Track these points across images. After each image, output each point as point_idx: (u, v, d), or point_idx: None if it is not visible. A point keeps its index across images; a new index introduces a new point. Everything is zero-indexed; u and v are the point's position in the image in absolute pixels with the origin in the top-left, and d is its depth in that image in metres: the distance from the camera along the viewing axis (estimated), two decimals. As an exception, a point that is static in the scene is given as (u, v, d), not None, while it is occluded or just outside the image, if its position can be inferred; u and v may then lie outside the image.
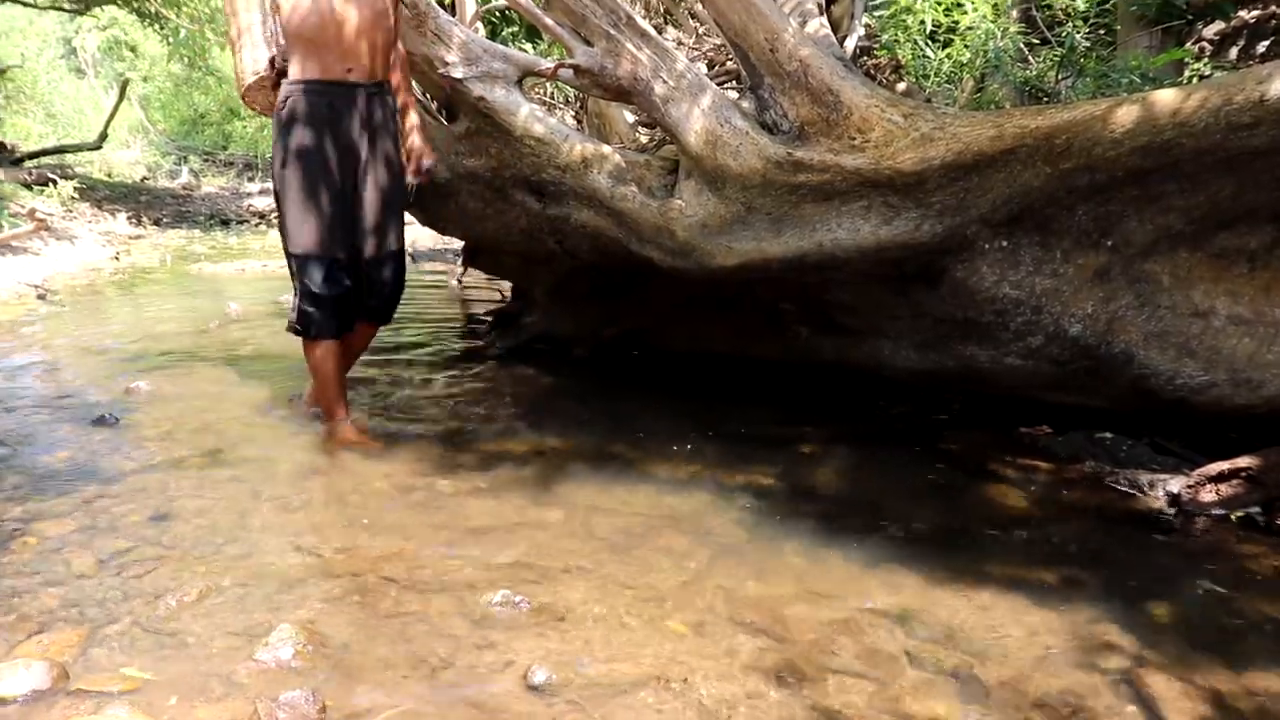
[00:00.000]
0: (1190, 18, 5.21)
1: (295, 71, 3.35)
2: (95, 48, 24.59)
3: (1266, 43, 4.91)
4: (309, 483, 3.10)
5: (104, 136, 15.98)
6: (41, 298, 6.93)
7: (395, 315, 3.76)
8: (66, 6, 16.66)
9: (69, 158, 15.60)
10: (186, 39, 15.93)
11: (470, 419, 3.85)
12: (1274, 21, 4.86)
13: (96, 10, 17.92)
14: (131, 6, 15.95)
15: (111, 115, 16.63)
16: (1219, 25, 5.22)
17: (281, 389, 4.10)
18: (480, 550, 2.54)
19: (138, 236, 11.61)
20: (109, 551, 2.47)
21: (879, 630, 2.17)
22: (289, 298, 3.56)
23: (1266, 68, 2.66)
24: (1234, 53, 5.10)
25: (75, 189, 12.35)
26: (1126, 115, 2.80)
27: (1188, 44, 5.24)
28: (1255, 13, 5.00)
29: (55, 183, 12.13)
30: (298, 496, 2.94)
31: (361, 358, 3.89)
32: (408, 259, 3.85)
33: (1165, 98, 2.77)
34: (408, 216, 5.00)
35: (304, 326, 3.45)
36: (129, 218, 12.60)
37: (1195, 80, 4.38)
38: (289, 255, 3.44)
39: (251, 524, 2.71)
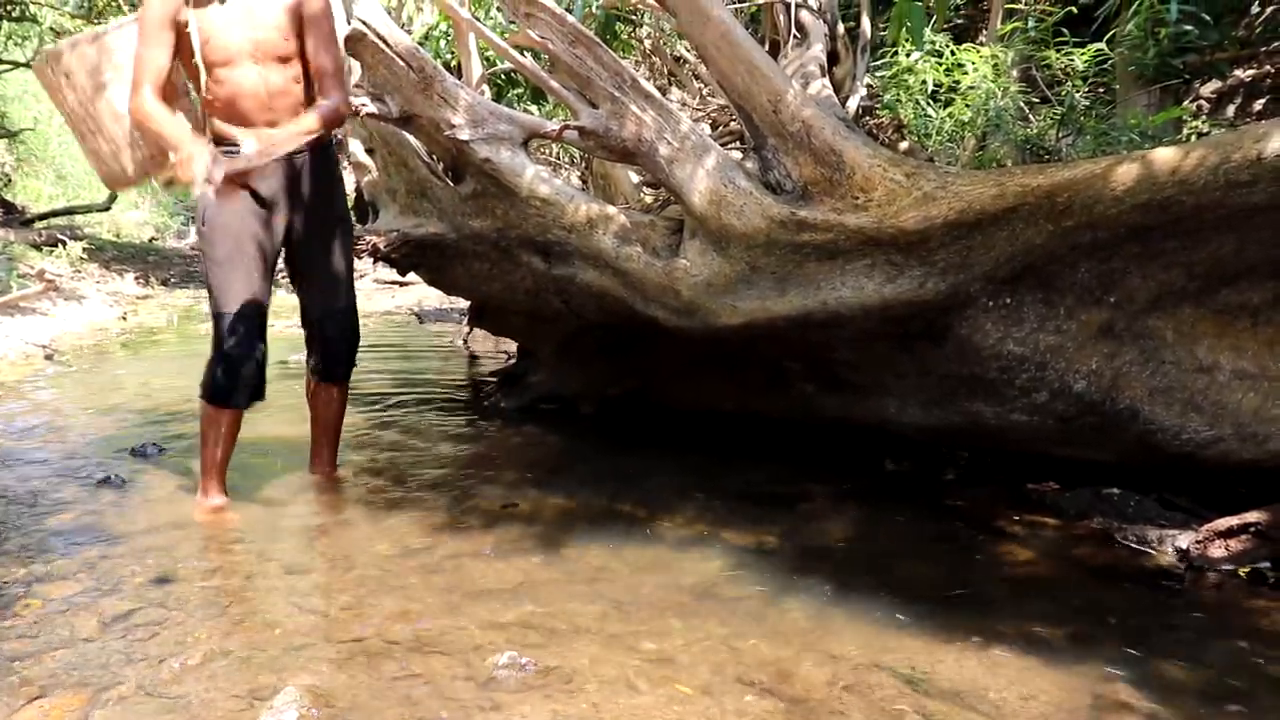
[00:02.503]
0: (1188, 76, 5.28)
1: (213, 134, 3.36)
2: (106, 111, 24.91)
3: (1263, 101, 4.96)
4: (315, 544, 3.09)
5: (113, 198, 16.13)
6: (49, 358, 6.96)
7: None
8: (78, 71, 16.89)
9: (78, 219, 15.76)
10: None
11: (476, 479, 3.84)
12: (1269, 80, 4.92)
13: (108, 74, 18.18)
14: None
15: (121, 177, 16.77)
16: (1216, 84, 5.29)
17: (285, 450, 4.10)
18: (486, 611, 2.53)
19: (145, 296, 11.67)
20: (113, 614, 2.46)
21: (888, 689, 2.16)
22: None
23: (1263, 126, 2.68)
24: (1231, 110, 5.16)
25: (84, 250, 12.44)
26: (1127, 173, 2.82)
27: (1186, 102, 5.30)
28: (1251, 72, 5.07)
29: (64, 243, 12.23)
30: (303, 558, 2.94)
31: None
32: (414, 319, 3.86)
33: (1164, 156, 2.80)
34: (413, 276, 5.04)
35: (209, 391, 3.38)
36: (137, 278, 12.68)
37: (1194, 138, 4.43)
38: (211, 314, 3.42)
39: (256, 586, 2.71)
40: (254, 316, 3.36)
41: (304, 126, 3.24)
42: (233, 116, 3.31)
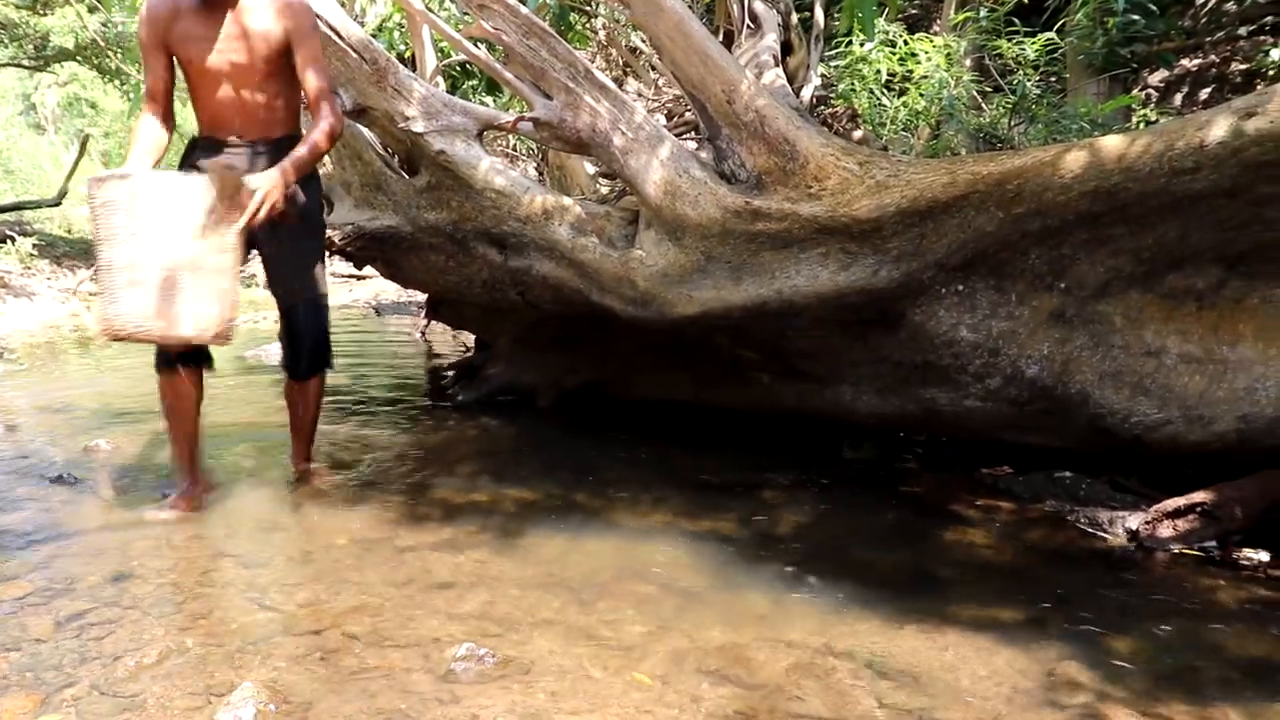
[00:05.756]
0: (1136, 66, 5.35)
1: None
2: (55, 104, 24.53)
3: (1208, 90, 5.04)
4: (271, 539, 3.07)
5: (64, 193, 15.86)
6: (-1, 356, 6.86)
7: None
8: (25, 63, 16.62)
9: (28, 214, 15.48)
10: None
11: (434, 471, 3.83)
12: (1214, 69, 5.00)
13: (56, 67, 17.90)
14: (91, 63, 15.97)
15: (72, 171, 16.51)
16: (1163, 73, 5.36)
17: (242, 446, 4.07)
18: (444, 604, 2.52)
19: (98, 293, 11.49)
20: (67, 613, 2.43)
21: (844, 674, 2.18)
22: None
23: (1206, 114, 2.73)
24: (1178, 99, 5.24)
25: (34, 246, 12.24)
26: (1075, 161, 2.87)
27: (1134, 91, 5.37)
28: (1197, 61, 5.15)
29: (13, 240, 12.03)
30: (260, 553, 2.92)
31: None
32: (372, 312, 3.83)
33: (1111, 144, 2.84)
34: (370, 270, 5.01)
35: (156, 361, 3.35)
36: (90, 275, 12.50)
37: (1142, 126, 4.49)
38: None
39: (213, 582, 2.69)
40: None
41: (299, 159, 3.19)
42: (218, 130, 3.36)
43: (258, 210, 3.00)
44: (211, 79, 3.28)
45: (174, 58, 3.30)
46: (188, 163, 3.36)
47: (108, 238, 2.88)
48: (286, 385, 3.62)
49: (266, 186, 3.03)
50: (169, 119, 3.35)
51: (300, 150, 3.20)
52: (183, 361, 3.30)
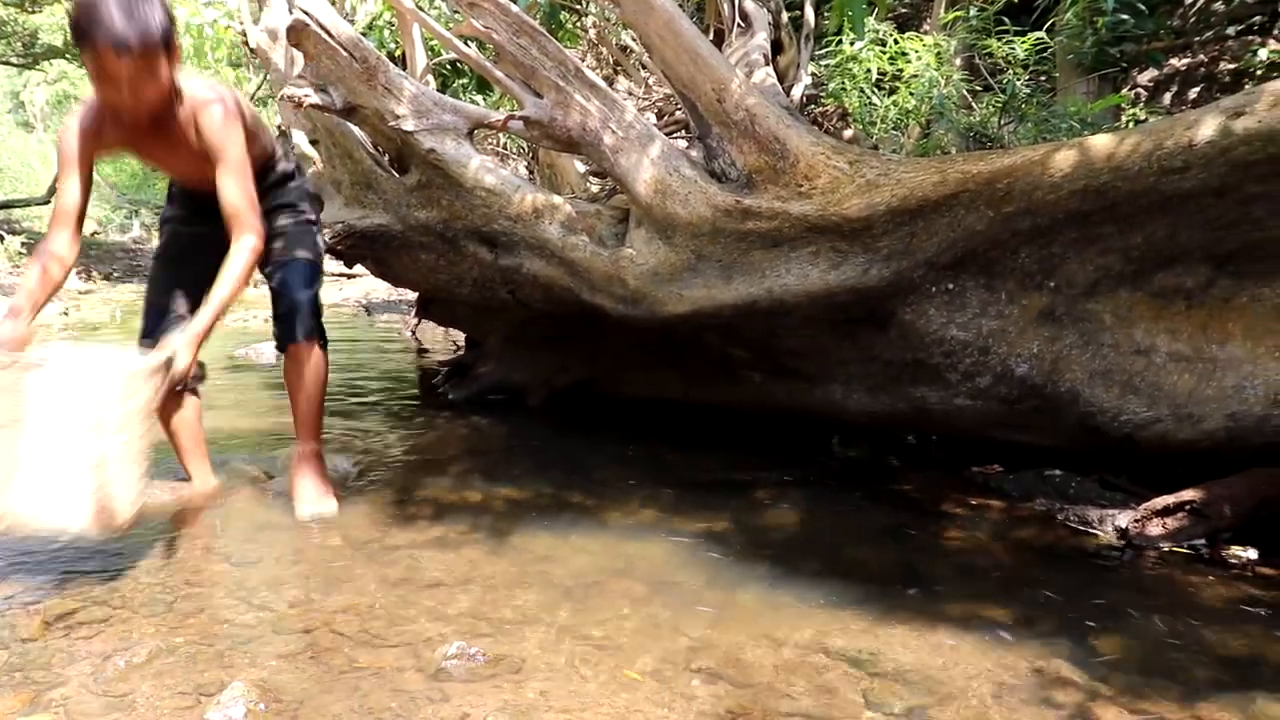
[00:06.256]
0: (1125, 65, 5.37)
1: None
2: (44, 102, 24.45)
3: (1197, 89, 5.06)
4: (261, 538, 3.06)
5: (53, 191, 15.82)
6: (-13, 355, 6.80)
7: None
8: (14, 61, 16.56)
9: (16, 212, 15.46)
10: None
11: (424, 470, 3.83)
12: (1203, 69, 5.01)
13: (45, 64, 17.84)
14: (80, 60, 15.90)
15: (60, 170, 16.48)
16: (1153, 72, 5.38)
17: (231, 445, 4.06)
18: (435, 602, 2.52)
19: (88, 291, 11.48)
20: (56, 613, 2.43)
21: (835, 672, 2.18)
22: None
23: (1195, 113, 2.74)
24: (1167, 98, 5.25)
25: (23, 244, 12.21)
26: (1064, 160, 2.87)
27: (1124, 90, 5.39)
28: (1186, 61, 5.16)
29: (2, 238, 12.00)
30: (250, 552, 2.91)
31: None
32: (362, 311, 3.81)
33: (1101, 143, 2.85)
34: (360, 269, 5.00)
35: None
36: (78, 272, 12.47)
37: (1131, 125, 4.50)
38: None
39: (203, 580, 2.68)
40: (159, 305, 3.35)
41: (214, 307, 2.93)
42: (187, 183, 3.34)
43: (173, 382, 2.85)
44: (162, 168, 3.26)
45: (94, 167, 3.07)
46: (170, 204, 3.41)
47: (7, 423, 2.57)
48: (284, 364, 3.42)
49: (182, 360, 2.84)
50: (76, 238, 3.03)
51: (207, 311, 2.91)
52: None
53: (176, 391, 3.24)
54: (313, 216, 3.50)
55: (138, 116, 2.87)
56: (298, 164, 3.61)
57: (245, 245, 2.97)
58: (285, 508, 3.29)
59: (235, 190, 2.98)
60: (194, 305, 3.11)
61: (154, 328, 3.28)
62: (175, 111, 2.97)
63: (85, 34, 2.64)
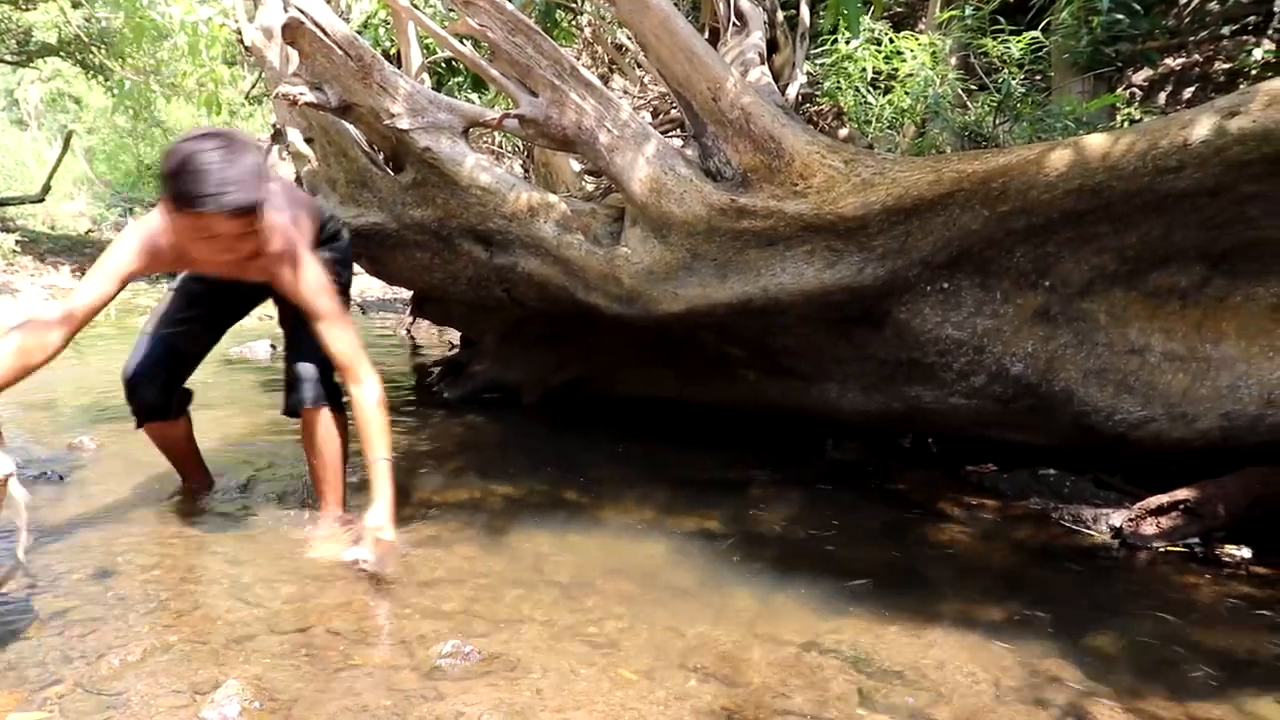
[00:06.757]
0: (1120, 64, 5.37)
1: None
2: (38, 100, 24.40)
3: (1192, 88, 5.06)
4: (256, 536, 3.06)
5: (47, 189, 15.81)
6: (-19, 353, 6.79)
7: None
8: (8, 58, 16.52)
9: (10, 210, 15.42)
10: (131, 91, 15.75)
11: (419, 468, 3.82)
12: (1198, 68, 5.02)
13: (39, 62, 17.80)
14: (75, 58, 15.90)
15: (55, 167, 16.46)
16: (1147, 72, 5.38)
17: (225, 444, 4.05)
18: (429, 601, 2.52)
19: (82, 290, 11.43)
20: (50, 611, 2.42)
21: (830, 671, 2.18)
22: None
23: (1190, 113, 2.75)
24: (1162, 98, 5.26)
25: (17, 242, 12.19)
26: (1060, 159, 2.88)
27: (1119, 90, 5.39)
28: (1180, 60, 5.17)
29: (-4, 236, 11.98)
30: (245, 550, 2.91)
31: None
32: (357, 309, 3.78)
33: (1096, 142, 2.85)
34: (356, 267, 4.99)
35: None
36: (73, 270, 12.43)
37: (1127, 124, 4.51)
38: None
39: (198, 579, 2.67)
40: (164, 348, 3.29)
41: (387, 473, 2.85)
42: None
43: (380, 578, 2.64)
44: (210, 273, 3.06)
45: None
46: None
47: None
48: (301, 431, 3.25)
49: (388, 535, 2.71)
50: (71, 338, 2.83)
51: (384, 481, 2.82)
52: (150, 418, 3.28)
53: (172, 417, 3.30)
54: (343, 283, 3.39)
55: (227, 262, 2.77)
56: (341, 226, 3.49)
57: (373, 396, 2.88)
58: (279, 508, 3.29)
59: (345, 342, 2.91)
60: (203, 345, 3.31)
61: (155, 366, 3.27)
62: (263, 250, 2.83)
63: (190, 199, 2.49)
